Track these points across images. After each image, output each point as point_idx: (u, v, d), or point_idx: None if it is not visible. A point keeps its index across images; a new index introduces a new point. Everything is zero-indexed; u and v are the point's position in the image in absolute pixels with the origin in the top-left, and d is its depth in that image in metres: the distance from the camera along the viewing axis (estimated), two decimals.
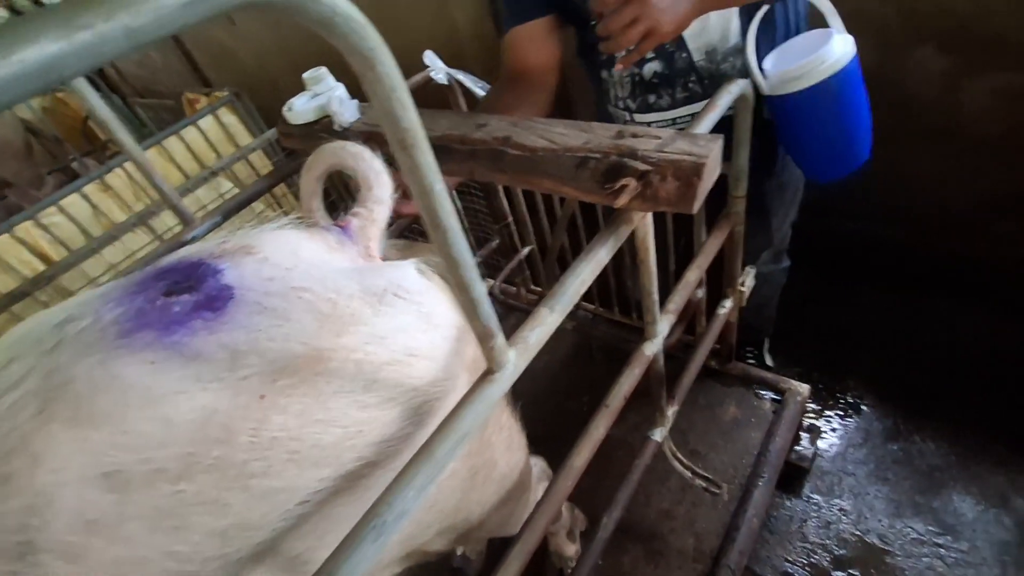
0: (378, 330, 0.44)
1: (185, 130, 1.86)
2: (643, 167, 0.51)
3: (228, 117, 2.00)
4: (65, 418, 0.35)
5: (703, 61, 0.84)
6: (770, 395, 1.13)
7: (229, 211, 0.81)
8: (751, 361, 1.37)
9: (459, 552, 1.02)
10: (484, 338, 0.39)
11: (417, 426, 0.46)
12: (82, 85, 0.64)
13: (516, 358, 0.42)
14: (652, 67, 0.87)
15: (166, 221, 1.61)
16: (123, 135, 0.68)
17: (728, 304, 0.99)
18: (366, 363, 0.43)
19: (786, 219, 1.13)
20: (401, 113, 0.27)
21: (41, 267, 1.64)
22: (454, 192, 1.21)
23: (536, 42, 0.88)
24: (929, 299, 1.44)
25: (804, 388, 1.10)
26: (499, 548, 1.04)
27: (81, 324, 0.38)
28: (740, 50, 0.83)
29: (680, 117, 0.91)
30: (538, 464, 0.92)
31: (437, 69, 1.06)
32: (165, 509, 0.35)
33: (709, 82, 0.86)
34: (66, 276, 1.42)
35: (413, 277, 0.50)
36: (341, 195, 1.41)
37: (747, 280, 1.01)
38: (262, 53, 2.61)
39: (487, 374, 0.41)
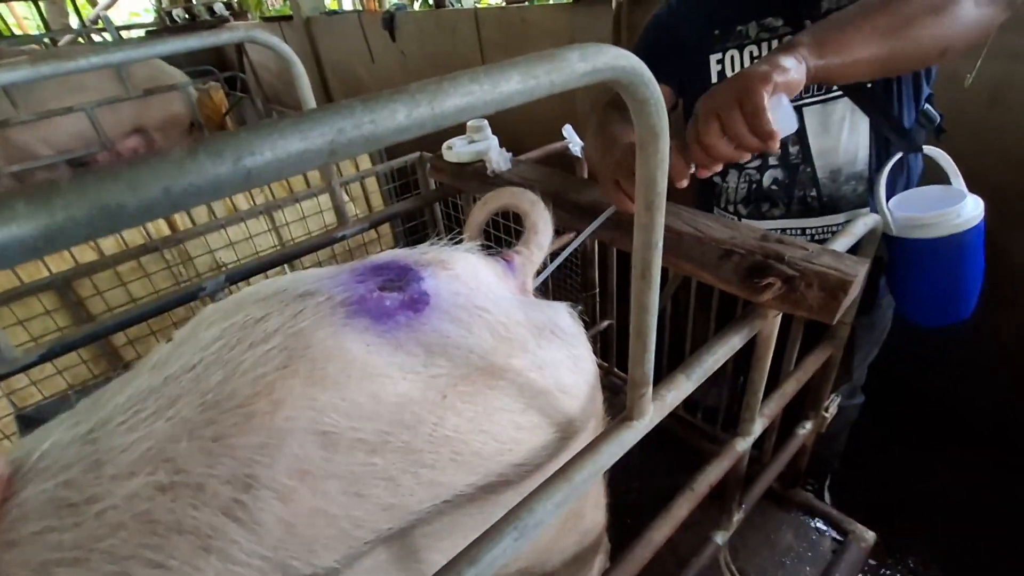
0: (539, 360, 0.49)
1: None
2: (790, 272, 0.56)
3: None
4: (303, 376, 0.39)
5: (826, 179, 0.88)
6: (832, 533, 1.08)
7: (375, 221, 0.90)
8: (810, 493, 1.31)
9: None
10: (638, 385, 0.43)
11: (549, 458, 0.49)
12: (300, 71, 0.75)
13: (654, 412, 0.46)
14: (773, 174, 0.91)
15: (285, 215, 1.76)
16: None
17: (808, 426, 0.98)
18: (527, 388, 0.47)
19: (868, 358, 1.12)
20: (660, 182, 0.33)
21: (166, 231, 1.81)
22: None
23: None
24: (1018, 477, 1.36)
25: (870, 535, 1.05)
26: None
27: (319, 299, 0.44)
28: (863, 177, 0.87)
29: (791, 228, 0.94)
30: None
31: (574, 142, 1.16)
32: (356, 476, 0.39)
33: (827, 200, 0.89)
34: (191, 242, 1.57)
35: (567, 319, 0.55)
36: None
37: (831, 407, 1.00)
38: None
39: (626, 419, 0.45)
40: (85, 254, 1.62)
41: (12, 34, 5.00)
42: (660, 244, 0.36)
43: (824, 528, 1.08)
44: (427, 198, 1.00)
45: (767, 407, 0.76)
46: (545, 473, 0.48)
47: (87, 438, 0.39)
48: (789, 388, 0.79)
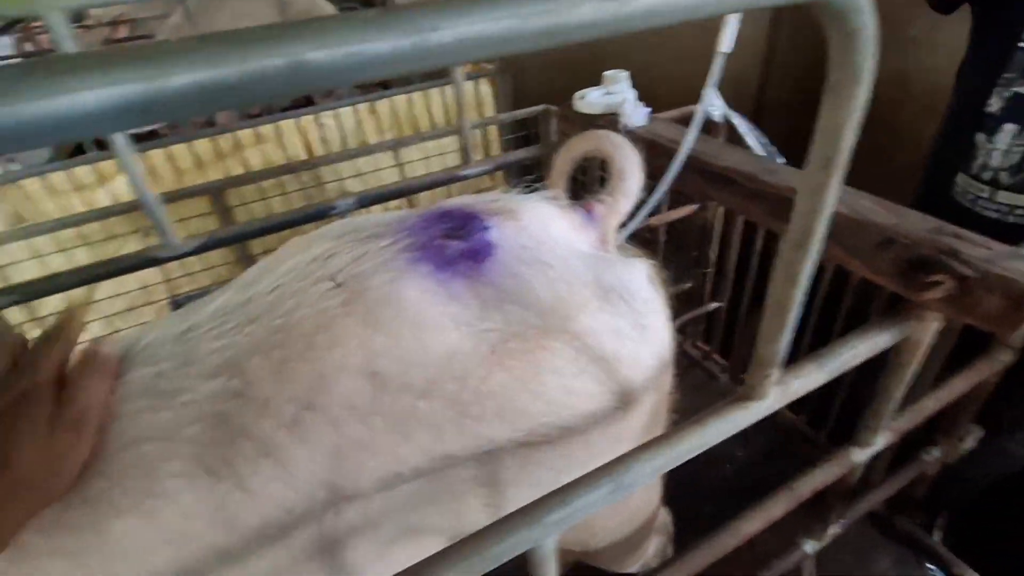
0: (598, 325, 0.47)
1: (448, 86, 2.09)
2: (966, 271, 0.47)
3: (485, 88, 2.21)
4: (360, 316, 0.42)
5: None
6: (937, 574, 0.97)
7: (500, 164, 0.90)
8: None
9: None
10: (765, 364, 0.39)
11: (597, 427, 0.47)
12: None
13: (774, 397, 0.42)
14: None
15: (410, 154, 1.84)
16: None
17: (935, 453, 0.87)
18: (581, 353, 0.46)
19: None
20: (847, 136, 0.28)
21: (302, 155, 1.97)
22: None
23: None
24: None
25: None
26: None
27: (383, 243, 0.45)
28: None
29: None
30: (663, 516, 0.89)
31: (716, 106, 1.07)
32: (401, 416, 0.41)
33: None
34: (324, 168, 1.69)
35: (642, 282, 0.51)
36: None
37: (969, 439, 0.88)
38: None
39: (743, 398, 0.41)
40: (235, 168, 1.81)
41: None
42: (829, 212, 0.31)
43: (930, 566, 0.97)
44: (552, 147, 0.98)
45: (898, 421, 0.67)
46: (589, 442, 0.46)
47: (182, 338, 0.44)
48: (930, 405, 0.69)
